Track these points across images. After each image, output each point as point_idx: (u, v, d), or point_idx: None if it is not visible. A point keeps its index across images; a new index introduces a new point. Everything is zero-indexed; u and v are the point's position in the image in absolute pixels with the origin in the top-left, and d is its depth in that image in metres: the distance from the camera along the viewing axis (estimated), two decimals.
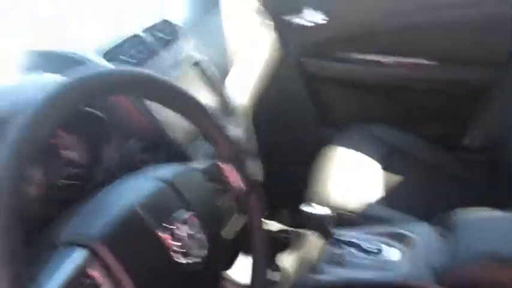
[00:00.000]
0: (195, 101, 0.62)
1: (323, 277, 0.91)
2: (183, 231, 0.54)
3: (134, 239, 0.50)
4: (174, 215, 0.54)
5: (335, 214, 1.07)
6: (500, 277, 0.75)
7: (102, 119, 0.71)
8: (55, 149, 0.70)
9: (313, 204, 0.92)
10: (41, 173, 0.68)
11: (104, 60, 0.78)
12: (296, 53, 1.52)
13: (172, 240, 0.52)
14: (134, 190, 0.55)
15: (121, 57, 0.81)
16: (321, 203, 1.09)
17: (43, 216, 0.60)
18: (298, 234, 1.07)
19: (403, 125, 1.36)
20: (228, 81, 1.12)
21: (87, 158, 0.73)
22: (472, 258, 0.77)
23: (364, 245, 0.94)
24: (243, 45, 1.28)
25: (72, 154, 0.72)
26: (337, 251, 0.94)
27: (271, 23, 1.47)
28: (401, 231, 0.95)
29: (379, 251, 0.93)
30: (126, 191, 0.55)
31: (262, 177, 1.08)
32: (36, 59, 0.76)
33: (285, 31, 1.49)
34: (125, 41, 0.84)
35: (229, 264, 0.68)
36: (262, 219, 0.70)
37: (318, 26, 1.47)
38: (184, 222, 0.55)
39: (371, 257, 0.92)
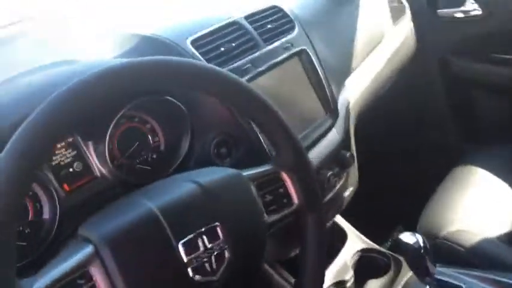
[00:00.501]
0: (257, 96, 0.56)
1: None
2: (205, 244, 0.49)
3: (145, 247, 0.46)
4: (200, 226, 0.49)
5: (443, 247, 0.91)
6: None
7: (181, 109, 0.70)
8: (144, 134, 0.71)
9: (416, 234, 0.78)
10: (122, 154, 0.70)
11: (192, 48, 0.75)
12: (436, 49, 1.32)
13: (190, 253, 0.48)
14: (163, 191, 0.51)
15: (213, 46, 0.77)
16: (431, 232, 0.94)
17: (105, 198, 0.61)
18: (397, 263, 0.93)
19: None
20: (349, 80, 1.02)
21: (166, 146, 0.73)
22: None
23: None
24: (372, 39, 1.15)
25: (157, 140, 0.73)
26: None
27: (409, 12, 1.30)
28: None
29: None
30: (155, 190, 0.52)
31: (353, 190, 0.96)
32: (133, 42, 0.77)
33: (425, 22, 1.30)
34: (220, 28, 0.80)
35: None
36: (326, 246, 0.61)
37: (470, 19, 1.25)
38: (210, 235, 0.49)
39: None
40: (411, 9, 1.30)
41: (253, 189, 0.56)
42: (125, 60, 0.49)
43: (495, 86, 1.31)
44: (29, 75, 0.67)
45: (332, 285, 0.91)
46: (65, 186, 0.62)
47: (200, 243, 0.48)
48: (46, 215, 0.60)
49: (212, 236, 0.49)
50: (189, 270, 0.47)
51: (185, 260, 0.47)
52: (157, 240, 0.47)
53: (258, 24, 0.84)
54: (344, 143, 0.91)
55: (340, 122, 0.92)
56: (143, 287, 0.45)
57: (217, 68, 0.56)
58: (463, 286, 0.79)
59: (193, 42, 0.75)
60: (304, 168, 0.59)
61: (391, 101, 1.22)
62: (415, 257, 0.77)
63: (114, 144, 0.68)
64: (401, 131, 1.38)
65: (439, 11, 1.30)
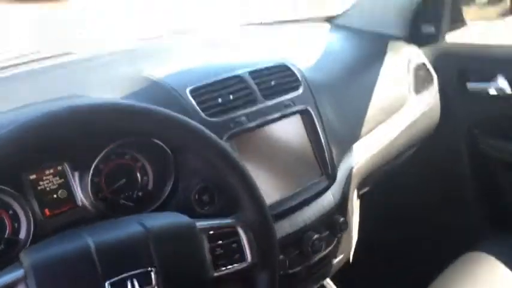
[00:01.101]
0: (222, 148, 0.58)
1: None
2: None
3: (71, 281, 0.47)
4: (133, 268, 0.49)
5: None
6: None
7: (166, 152, 0.72)
8: (133, 171, 0.74)
9: None
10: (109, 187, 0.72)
11: (190, 96, 0.78)
12: (463, 124, 1.28)
13: None
14: (108, 229, 0.52)
15: (211, 97, 0.80)
16: None
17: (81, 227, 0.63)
18: None
19: None
20: (356, 145, 1.00)
21: (154, 185, 0.75)
22: None
23: None
24: (390, 106, 1.13)
25: (146, 178, 0.75)
26: None
27: (436, 82, 1.27)
28: None
29: None
30: (101, 227, 0.53)
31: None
32: (139, 84, 0.82)
33: (453, 95, 1.27)
34: (222, 80, 0.83)
35: None
36: None
37: (500, 96, 1.21)
38: (142, 279, 0.49)
39: None
40: (439, 80, 1.28)
41: (204, 241, 0.55)
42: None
43: None
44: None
45: None
46: (46, 211, 0.65)
47: (129, 286, 0.48)
48: (22, 235, 0.63)
49: (144, 281, 0.49)
50: None
51: None
52: (85, 275, 0.47)
53: (261, 80, 0.87)
54: (339, 208, 0.89)
55: (337, 185, 0.90)
56: None
57: (185, 119, 0.58)
58: None
59: (192, 91, 0.79)
60: (263, 227, 0.59)
61: (406, 172, 1.18)
62: None
63: (102, 177, 0.71)
64: (414, 205, 1.32)
65: (468, 84, 1.27)
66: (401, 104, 1.16)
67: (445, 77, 1.28)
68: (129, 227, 0.52)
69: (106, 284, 0.47)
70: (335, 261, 0.88)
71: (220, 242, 0.57)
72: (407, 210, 1.28)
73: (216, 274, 0.55)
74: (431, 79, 1.28)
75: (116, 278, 0.48)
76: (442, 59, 1.29)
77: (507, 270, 0.96)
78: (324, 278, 0.90)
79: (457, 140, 1.29)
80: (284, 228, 0.81)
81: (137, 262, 0.50)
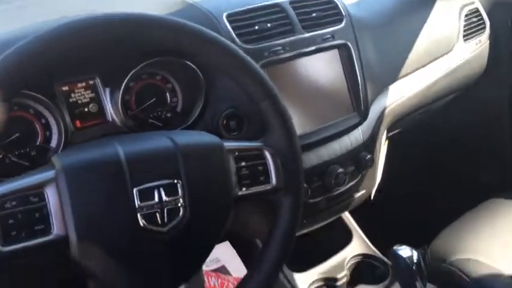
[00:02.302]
0: (258, 72, 0.59)
1: None
2: (161, 196, 0.50)
3: (101, 183, 0.49)
4: (160, 178, 0.51)
5: (447, 272, 0.87)
6: None
7: (198, 75, 0.73)
8: (164, 92, 0.76)
9: (414, 249, 0.76)
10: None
11: (226, 22, 0.78)
12: (511, 75, 1.22)
13: (143, 200, 0.50)
14: (138, 140, 0.55)
15: (247, 23, 0.79)
16: (441, 255, 0.90)
17: None
18: (390, 271, 0.91)
19: None
20: (393, 86, 0.99)
21: (183, 108, 0.77)
22: None
23: None
24: (435, 50, 1.10)
25: (175, 100, 0.77)
26: None
27: (488, 30, 1.21)
28: None
29: None
30: (132, 138, 0.55)
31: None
32: (176, 5, 0.82)
33: (504, 44, 1.21)
34: (261, 8, 0.81)
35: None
36: (292, 232, 0.61)
37: None
38: (169, 189, 0.51)
39: None
40: (491, 29, 1.22)
41: (230, 161, 0.57)
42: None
43: None
44: None
45: (321, 279, 0.91)
46: (77, 122, 0.68)
47: (156, 194, 0.50)
48: (53, 143, 0.66)
49: (171, 191, 0.51)
50: (138, 215, 0.49)
51: (137, 204, 0.49)
52: (115, 181, 0.49)
53: (302, 10, 0.85)
54: (367, 145, 0.90)
55: (367, 123, 0.91)
56: (91, 219, 0.48)
57: (226, 41, 0.59)
58: None
59: (228, 16, 0.78)
60: (290, 152, 0.60)
61: (443, 117, 1.16)
62: (404, 271, 0.75)
63: (133, 95, 0.73)
64: (442, 153, 1.30)
65: None
66: (447, 50, 1.12)
67: (498, 26, 1.22)
68: (159, 141, 0.54)
69: (134, 191, 0.50)
70: (356, 196, 0.90)
71: (247, 163, 0.58)
72: (435, 158, 1.28)
73: (240, 193, 0.57)
74: (484, 27, 1.22)
75: (144, 186, 0.50)
76: (498, 7, 1.22)
77: None
78: (343, 211, 0.93)
79: (499, 94, 1.25)
80: (310, 159, 0.83)
81: (165, 173, 0.51)
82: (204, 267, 1.03)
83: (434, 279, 0.85)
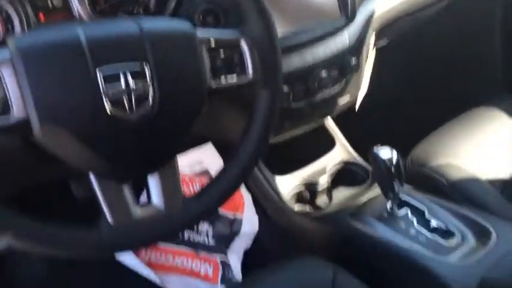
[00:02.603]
0: None
1: (358, 226, 0.79)
2: (127, 80, 0.47)
3: (60, 64, 0.46)
4: (126, 59, 0.48)
5: (427, 176, 0.89)
6: None
7: None
8: None
9: (393, 150, 0.77)
10: None
11: None
12: None
13: (108, 83, 0.47)
14: (102, 24, 0.51)
15: None
16: (421, 159, 0.91)
17: None
18: (372, 176, 0.93)
19: None
20: None
21: (156, 4, 0.72)
22: None
23: (431, 218, 0.77)
24: None
25: None
26: (394, 210, 0.79)
27: None
28: (487, 226, 0.73)
29: (443, 233, 0.75)
30: (96, 22, 0.52)
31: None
32: None
33: None
34: None
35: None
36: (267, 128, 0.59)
37: None
38: (135, 73, 0.48)
39: (428, 234, 0.75)
40: None
41: (203, 49, 0.54)
42: None
43: None
44: None
45: (303, 184, 0.93)
46: (40, 15, 0.64)
47: (122, 78, 0.48)
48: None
49: (138, 75, 0.48)
50: (104, 99, 0.47)
51: (101, 88, 0.47)
52: (75, 62, 0.47)
53: None
54: (353, 49, 0.87)
55: (355, 26, 0.87)
56: (52, 101, 0.46)
57: None
58: (426, 211, 0.78)
59: None
60: (268, 44, 0.57)
61: (432, 28, 1.13)
62: (383, 171, 0.76)
63: None
64: (433, 61, 1.29)
65: None
66: None
67: None
68: (124, 25, 0.51)
69: (98, 73, 0.47)
70: (340, 102, 0.89)
71: (221, 53, 0.55)
72: (422, 68, 1.26)
73: (214, 86, 0.55)
74: None
75: (107, 68, 0.47)
76: None
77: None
78: (326, 116, 0.93)
79: (491, 3, 1.21)
80: (293, 61, 0.80)
81: (130, 55, 0.49)
82: (188, 170, 1.05)
83: (412, 182, 0.87)
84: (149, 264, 1.03)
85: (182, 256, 1.05)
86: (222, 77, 0.56)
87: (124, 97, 0.48)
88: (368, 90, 1.00)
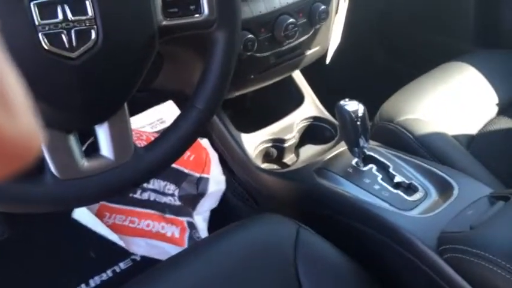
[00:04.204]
0: None
1: (323, 182, 0.78)
2: (65, 14, 0.43)
3: None
4: None
5: (395, 131, 0.87)
6: None
7: None
8: None
9: (360, 104, 0.74)
10: None
11: None
12: None
13: (44, 18, 0.43)
14: None
15: None
16: (389, 115, 0.89)
17: None
18: (338, 132, 0.91)
19: None
20: None
21: None
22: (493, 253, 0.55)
23: (395, 173, 0.75)
24: None
25: None
26: (359, 165, 0.78)
27: None
28: (450, 180, 0.73)
29: (407, 188, 0.74)
30: None
31: None
32: None
33: None
34: None
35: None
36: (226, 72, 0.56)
37: None
38: (75, 7, 0.44)
39: (392, 189, 0.74)
40: None
41: None
42: None
43: None
44: None
45: (269, 140, 0.91)
46: None
47: (60, 11, 0.43)
48: None
49: (77, 9, 0.44)
50: (40, 34, 0.43)
51: (36, 21, 0.43)
52: None
53: None
54: None
55: None
56: None
57: None
58: (391, 167, 0.77)
59: None
60: None
61: None
62: (348, 125, 0.74)
63: None
64: (400, 18, 1.26)
65: None
66: None
67: None
68: None
69: (31, 4, 0.42)
70: (308, 53, 0.86)
71: None
72: (394, 23, 1.23)
73: (165, 23, 0.50)
74: None
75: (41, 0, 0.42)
76: None
77: (483, 79, 0.96)
78: (295, 69, 0.90)
79: None
80: (258, 6, 0.76)
81: None
82: (149, 128, 1.01)
83: (381, 138, 0.86)
84: (113, 227, 1.00)
85: (147, 219, 1.03)
86: (175, 14, 0.52)
87: (63, 33, 0.44)
88: (339, 44, 0.96)
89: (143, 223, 1.04)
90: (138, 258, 1.02)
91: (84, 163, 0.50)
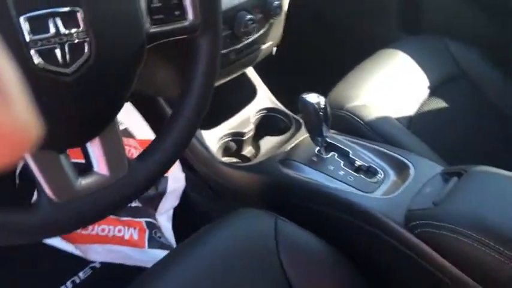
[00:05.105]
0: None
1: (289, 172, 0.81)
2: (58, 28, 0.41)
3: None
4: (55, 5, 0.41)
5: (345, 118, 0.93)
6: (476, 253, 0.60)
7: None
8: None
9: (320, 96, 0.78)
10: None
11: None
12: None
13: (35, 33, 0.40)
14: None
15: None
16: (338, 103, 0.95)
17: None
18: (297, 125, 0.95)
19: (493, 51, 1.09)
20: None
21: None
22: (455, 222, 0.62)
23: (355, 158, 0.81)
24: None
25: None
26: (321, 153, 0.83)
27: None
28: (404, 160, 0.80)
29: (367, 172, 0.80)
30: None
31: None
32: None
33: None
34: None
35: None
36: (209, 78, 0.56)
37: None
38: (67, 19, 0.41)
39: (355, 173, 0.79)
40: None
41: None
42: None
43: None
44: None
45: (228, 134, 0.92)
46: None
47: (51, 25, 0.41)
48: None
49: (69, 22, 0.42)
50: (32, 51, 0.40)
51: (27, 37, 0.40)
52: None
53: None
54: None
55: None
56: None
57: None
58: (350, 152, 0.82)
59: None
60: None
61: None
62: (312, 116, 0.78)
63: None
64: (338, 12, 1.33)
65: None
66: None
67: None
68: None
69: (21, 19, 0.39)
70: (263, 47, 0.88)
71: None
72: (333, 16, 1.29)
73: (152, 30, 0.49)
74: None
75: (34, 14, 0.39)
76: None
77: (415, 64, 1.05)
78: (250, 64, 0.91)
79: None
80: None
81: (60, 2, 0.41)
82: None
83: (333, 125, 0.91)
84: (67, 237, 0.95)
85: (102, 223, 0.99)
86: (161, 20, 0.50)
87: (56, 47, 0.41)
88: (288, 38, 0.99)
89: (97, 228, 0.99)
90: (97, 266, 0.98)
91: (81, 182, 0.48)
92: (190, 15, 0.53)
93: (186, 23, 0.53)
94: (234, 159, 0.94)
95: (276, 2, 0.82)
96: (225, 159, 0.92)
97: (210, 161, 0.89)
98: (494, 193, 0.66)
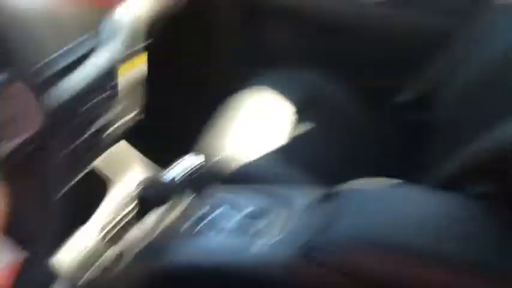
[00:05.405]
0: None
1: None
2: None
3: None
4: None
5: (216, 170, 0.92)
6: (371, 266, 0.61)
7: None
8: None
9: (198, 156, 0.76)
10: None
11: None
12: None
13: None
14: None
15: None
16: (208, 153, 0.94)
17: None
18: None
19: (336, 73, 1.17)
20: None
21: None
22: (343, 242, 0.63)
23: (241, 208, 0.79)
24: None
25: None
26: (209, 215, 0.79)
27: None
28: (279, 196, 0.79)
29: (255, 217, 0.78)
30: None
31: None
32: None
33: None
34: None
35: None
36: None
37: None
38: None
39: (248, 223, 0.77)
40: None
41: None
42: None
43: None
44: None
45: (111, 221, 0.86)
46: None
47: None
48: None
49: None
50: None
51: None
52: None
53: None
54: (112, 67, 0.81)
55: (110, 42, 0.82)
56: None
57: None
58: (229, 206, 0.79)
59: None
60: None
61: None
62: (198, 178, 0.76)
63: None
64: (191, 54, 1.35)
65: None
66: None
67: None
68: None
69: None
70: (121, 122, 0.84)
71: None
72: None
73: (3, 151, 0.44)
74: None
75: None
76: None
77: (276, 99, 1.09)
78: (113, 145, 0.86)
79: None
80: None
81: None
82: None
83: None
84: None
85: None
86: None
87: None
88: None
89: None
90: None
91: None
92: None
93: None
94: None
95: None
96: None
97: None
98: (373, 211, 0.68)
